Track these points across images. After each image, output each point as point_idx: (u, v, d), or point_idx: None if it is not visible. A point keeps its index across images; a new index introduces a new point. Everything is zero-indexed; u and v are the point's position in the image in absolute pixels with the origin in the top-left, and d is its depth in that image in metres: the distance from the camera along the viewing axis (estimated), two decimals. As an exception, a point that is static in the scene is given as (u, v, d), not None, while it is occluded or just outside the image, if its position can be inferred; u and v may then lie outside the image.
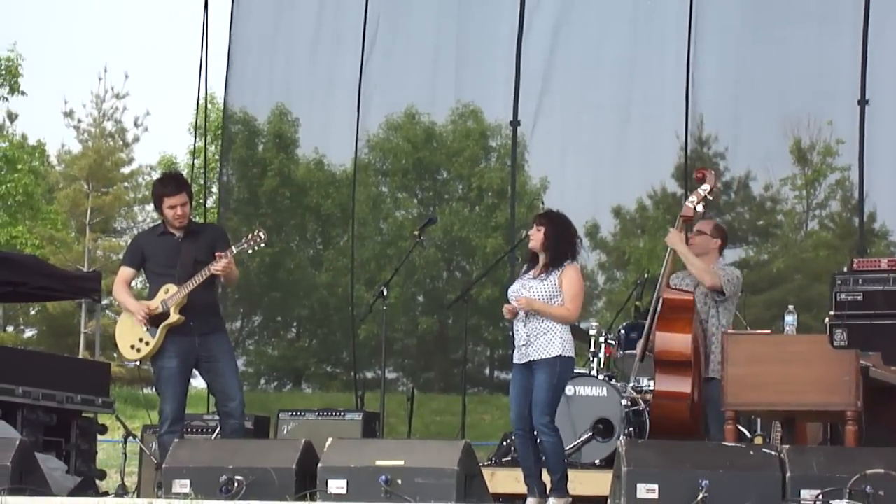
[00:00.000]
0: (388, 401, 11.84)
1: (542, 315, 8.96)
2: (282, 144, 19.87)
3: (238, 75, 16.03)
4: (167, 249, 9.56)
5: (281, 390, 22.69)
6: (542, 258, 9.12)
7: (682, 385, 9.37)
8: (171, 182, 9.78)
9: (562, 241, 9.12)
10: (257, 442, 10.90)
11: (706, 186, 9.95)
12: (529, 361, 8.97)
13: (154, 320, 9.42)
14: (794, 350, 8.57)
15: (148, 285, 9.76)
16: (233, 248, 9.48)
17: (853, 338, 8.63)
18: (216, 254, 9.39)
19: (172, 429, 9.40)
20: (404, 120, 20.57)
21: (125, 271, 9.72)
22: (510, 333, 9.28)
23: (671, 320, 9.61)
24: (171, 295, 9.41)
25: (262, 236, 9.53)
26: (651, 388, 10.88)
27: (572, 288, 9.00)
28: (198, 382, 10.24)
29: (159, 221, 9.86)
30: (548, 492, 8.99)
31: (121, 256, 39.82)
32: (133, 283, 9.81)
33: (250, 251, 9.66)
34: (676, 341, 9.48)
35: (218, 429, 10.46)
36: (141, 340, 9.44)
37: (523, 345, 9.00)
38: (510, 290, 9.20)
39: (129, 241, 10.69)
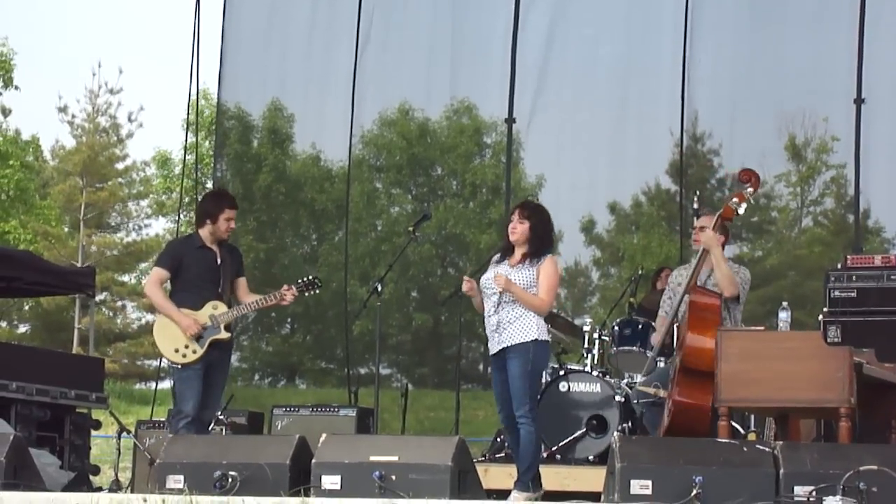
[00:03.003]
0: (382, 396, 11.83)
1: (518, 299, 8.87)
2: (277, 140, 19.83)
3: (231, 70, 16.00)
4: (206, 263, 9.85)
5: (275, 386, 22.68)
6: (520, 249, 9.04)
7: (705, 397, 9.00)
8: (228, 196, 10.33)
9: (545, 234, 9.10)
10: (251, 438, 10.91)
11: (751, 189, 9.44)
12: (503, 348, 8.88)
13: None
14: (788, 346, 8.54)
15: (170, 289, 9.96)
16: (293, 288, 9.94)
17: (847, 334, 8.62)
18: (284, 287, 9.91)
19: (190, 427, 9.57)
20: (398, 115, 20.52)
21: (160, 273, 9.92)
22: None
23: (703, 320, 9.11)
24: (220, 313, 9.74)
25: (318, 283, 10.06)
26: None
27: (548, 280, 8.93)
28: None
29: (190, 233, 10.24)
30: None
31: (114, 252, 39.36)
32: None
33: (306, 294, 10.13)
34: (706, 348, 8.90)
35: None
36: (187, 347, 9.70)
37: (494, 331, 8.92)
38: (483, 279, 9.11)
39: (165, 245, 10.90)
